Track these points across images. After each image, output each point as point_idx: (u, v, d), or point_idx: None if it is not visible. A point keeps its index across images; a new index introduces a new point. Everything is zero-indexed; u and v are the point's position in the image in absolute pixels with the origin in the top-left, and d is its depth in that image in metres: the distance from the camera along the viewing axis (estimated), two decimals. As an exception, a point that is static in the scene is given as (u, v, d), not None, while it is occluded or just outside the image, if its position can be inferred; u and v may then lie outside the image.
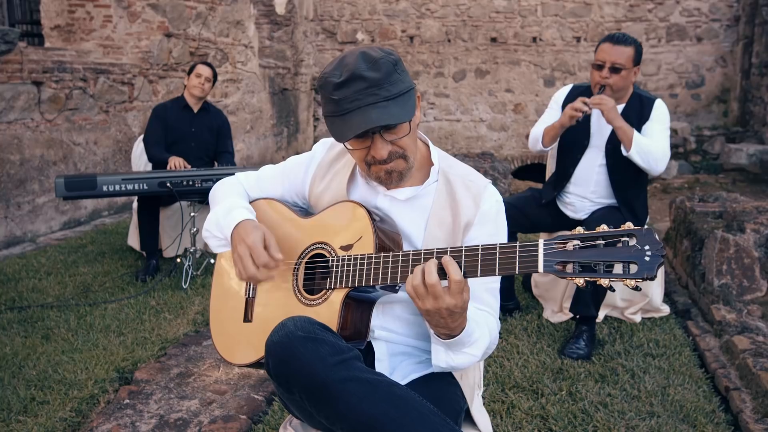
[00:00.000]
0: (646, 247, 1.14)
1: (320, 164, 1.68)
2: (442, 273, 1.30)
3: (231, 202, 1.64)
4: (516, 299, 3.59)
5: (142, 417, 2.49)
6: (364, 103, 1.36)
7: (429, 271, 1.29)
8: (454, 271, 1.28)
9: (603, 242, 1.16)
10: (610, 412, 2.49)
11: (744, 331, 2.98)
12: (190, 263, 4.01)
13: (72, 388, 2.65)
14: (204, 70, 4.42)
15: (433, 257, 1.33)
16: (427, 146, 1.61)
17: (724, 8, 9.50)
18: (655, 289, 3.45)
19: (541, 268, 1.20)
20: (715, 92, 9.75)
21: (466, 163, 1.63)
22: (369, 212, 1.47)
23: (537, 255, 1.22)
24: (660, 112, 3.12)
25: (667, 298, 3.77)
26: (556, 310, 3.46)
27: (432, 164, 1.59)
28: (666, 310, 3.49)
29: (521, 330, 3.29)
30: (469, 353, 1.42)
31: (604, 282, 1.15)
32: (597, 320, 3.26)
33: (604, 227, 1.18)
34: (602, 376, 2.79)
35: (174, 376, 2.83)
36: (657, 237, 1.15)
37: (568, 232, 1.22)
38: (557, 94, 3.38)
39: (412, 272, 1.34)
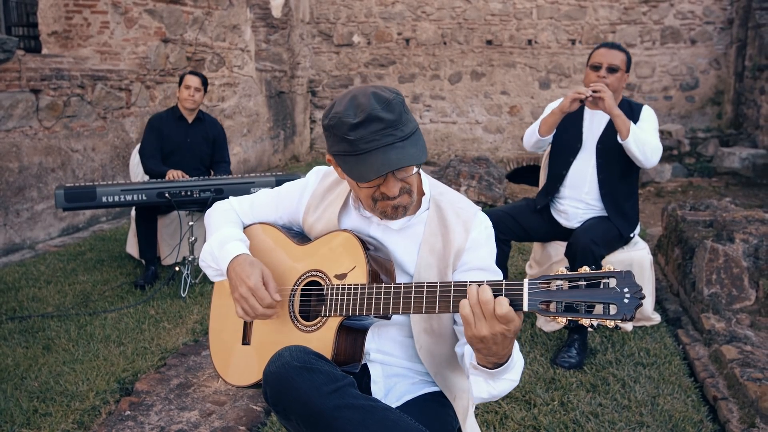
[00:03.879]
0: (626, 290, 1.19)
1: (314, 194, 1.72)
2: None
3: (225, 233, 1.68)
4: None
5: (143, 429, 2.54)
6: (382, 143, 1.38)
7: (482, 289, 1.29)
8: (482, 293, 1.29)
9: (585, 283, 1.21)
10: (600, 422, 2.55)
11: (732, 340, 3.04)
12: (189, 272, 4.05)
13: (74, 399, 2.70)
14: (192, 81, 4.36)
15: (435, 288, 1.37)
16: (419, 175, 1.66)
17: (718, 11, 9.56)
18: (647, 298, 3.51)
19: (526, 307, 1.26)
20: (709, 94, 9.81)
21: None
22: (363, 242, 1.52)
23: (522, 294, 1.27)
24: (648, 114, 3.30)
25: (659, 305, 3.83)
26: (549, 319, 3.51)
27: (423, 193, 1.63)
28: (657, 318, 3.55)
29: (515, 339, 3.34)
30: (509, 379, 1.41)
31: (585, 322, 1.21)
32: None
33: (585, 269, 1.23)
34: (594, 386, 2.86)
35: (174, 387, 2.88)
36: (635, 280, 1.21)
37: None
38: (552, 102, 3.51)
39: (406, 303, 1.40)
